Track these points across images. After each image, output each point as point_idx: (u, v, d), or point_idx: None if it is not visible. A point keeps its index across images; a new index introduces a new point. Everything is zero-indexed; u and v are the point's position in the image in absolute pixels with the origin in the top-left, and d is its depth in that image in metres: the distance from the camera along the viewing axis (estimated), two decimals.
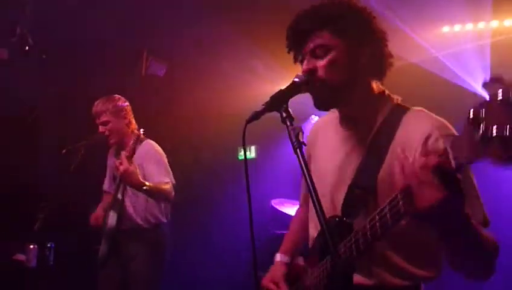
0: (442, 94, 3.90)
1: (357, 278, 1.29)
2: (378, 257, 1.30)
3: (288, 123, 1.18)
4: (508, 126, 0.73)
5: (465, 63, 3.99)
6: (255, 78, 4.81)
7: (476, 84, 4.11)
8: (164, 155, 3.12)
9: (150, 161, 3.01)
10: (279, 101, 1.22)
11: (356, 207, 1.28)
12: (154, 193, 2.89)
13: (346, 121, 1.46)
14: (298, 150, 1.13)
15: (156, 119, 4.48)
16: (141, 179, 2.77)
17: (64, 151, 3.07)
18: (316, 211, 1.08)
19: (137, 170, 2.76)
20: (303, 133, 1.16)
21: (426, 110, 1.36)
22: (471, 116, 0.79)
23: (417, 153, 1.09)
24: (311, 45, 1.34)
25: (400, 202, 1.03)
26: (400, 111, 1.36)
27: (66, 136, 3.47)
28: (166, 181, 2.98)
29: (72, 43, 4.23)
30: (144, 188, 2.77)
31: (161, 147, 3.17)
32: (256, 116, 1.23)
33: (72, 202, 3.69)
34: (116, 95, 3.13)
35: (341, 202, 1.35)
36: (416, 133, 1.25)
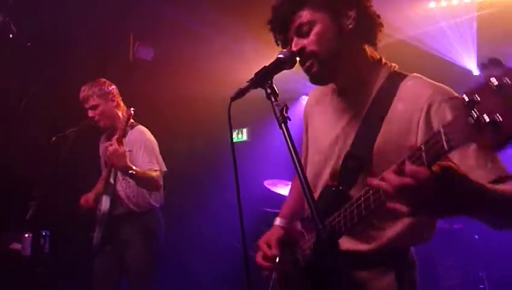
0: (431, 70, 3.91)
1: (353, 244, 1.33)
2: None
3: (273, 99, 1.20)
4: (499, 114, 0.72)
5: (453, 38, 4.01)
6: (244, 61, 4.79)
7: (464, 58, 4.15)
8: (155, 142, 3.10)
9: (140, 147, 2.99)
10: (263, 77, 1.23)
11: (352, 176, 1.30)
12: (141, 179, 2.86)
13: (342, 92, 1.46)
14: (283, 124, 1.15)
15: (145, 104, 4.45)
16: (128, 163, 2.74)
17: (53, 139, 3.05)
18: (301, 183, 1.10)
19: (127, 154, 2.76)
20: (288, 108, 1.18)
21: (424, 77, 1.34)
22: (466, 99, 0.78)
23: (420, 121, 1.18)
24: (294, 26, 1.37)
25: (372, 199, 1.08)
26: (397, 78, 1.35)
27: (56, 124, 3.45)
28: (155, 169, 2.95)
29: (57, 30, 4.15)
30: (130, 172, 2.74)
31: (152, 132, 3.15)
32: (241, 93, 1.23)
33: (64, 190, 3.69)
34: (102, 79, 3.10)
35: (338, 171, 1.37)
36: (416, 102, 1.25)
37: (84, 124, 3.07)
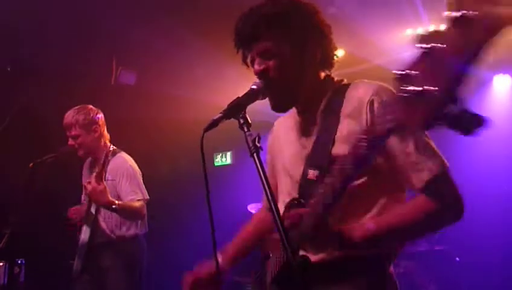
0: None
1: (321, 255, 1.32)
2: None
3: (246, 129, 1.22)
4: (427, 82, 0.65)
5: None
6: (228, 85, 4.83)
7: None
8: (137, 169, 3.07)
9: (122, 176, 2.96)
10: (236, 108, 1.24)
11: (312, 186, 1.29)
12: (124, 212, 2.87)
13: (301, 113, 1.49)
14: (255, 154, 1.17)
15: (129, 129, 4.43)
16: (110, 198, 2.73)
17: (31, 165, 2.97)
18: (272, 211, 1.11)
19: (107, 188, 2.74)
20: (260, 138, 1.20)
21: (366, 80, 1.39)
22: (397, 75, 0.72)
23: (366, 120, 1.26)
24: (257, 51, 1.36)
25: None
26: (343, 88, 1.40)
27: (34, 150, 3.38)
28: (138, 198, 2.94)
29: (38, 54, 4.14)
30: (113, 207, 2.75)
31: (134, 157, 3.13)
32: (213, 124, 1.23)
33: (41, 217, 3.59)
34: (89, 106, 3.05)
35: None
36: (361, 101, 1.31)
37: (62, 150, 3.01)
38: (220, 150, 6.00)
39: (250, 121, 1.23)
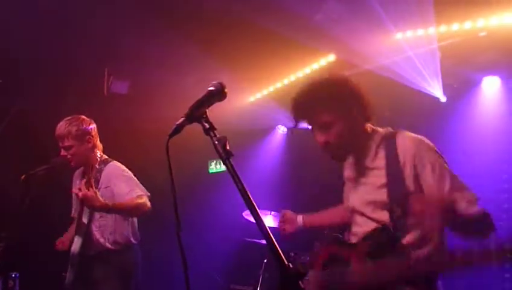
0: (399, 98, 4.08)
1: None
2: None
3: (212, 134, 1.20)
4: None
5: (419, 67, 4.20)
6: None
7: (431, 86, 4.33)
8: (131, 172, 3.05)
9: (117, 180, 2.94)
10: (197, 111, 1.24)
11: (403, 223, 1.61)
12: (123, 210, 2.83)
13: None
14: (227, 160, 1.15)
15: (122, 138, 4.41)
16: (103, 201, 2.69)
17: (23, 177, 2.93)
18: (256, 220, 1.15)
19: (98, 193, 2.70)
20: (228, 141, 1.18)
21: (407, 132, 1.83)
22: None
23: (409, 165, 1.71)
24: (318, 123, 1.79)
25: None
26: (391, 136, 1.82)
27: (27, 161, 3.36)
28: (139, 194, 2.88)
29: (29, 65, 4.12)
30: (109, 208, 2.72)
31: (130, 166, 3.11)
32: (177, 129, 1.23)
33: (34, 229, 3.55)
34: (81, 116, 3.01)
35: (382, 217, 1.72)
36: (408, 152, 1.74)
37: (55, 161, 2.97)
38: (214, 157, 6.00)
39: (215, 126, 1.22)
